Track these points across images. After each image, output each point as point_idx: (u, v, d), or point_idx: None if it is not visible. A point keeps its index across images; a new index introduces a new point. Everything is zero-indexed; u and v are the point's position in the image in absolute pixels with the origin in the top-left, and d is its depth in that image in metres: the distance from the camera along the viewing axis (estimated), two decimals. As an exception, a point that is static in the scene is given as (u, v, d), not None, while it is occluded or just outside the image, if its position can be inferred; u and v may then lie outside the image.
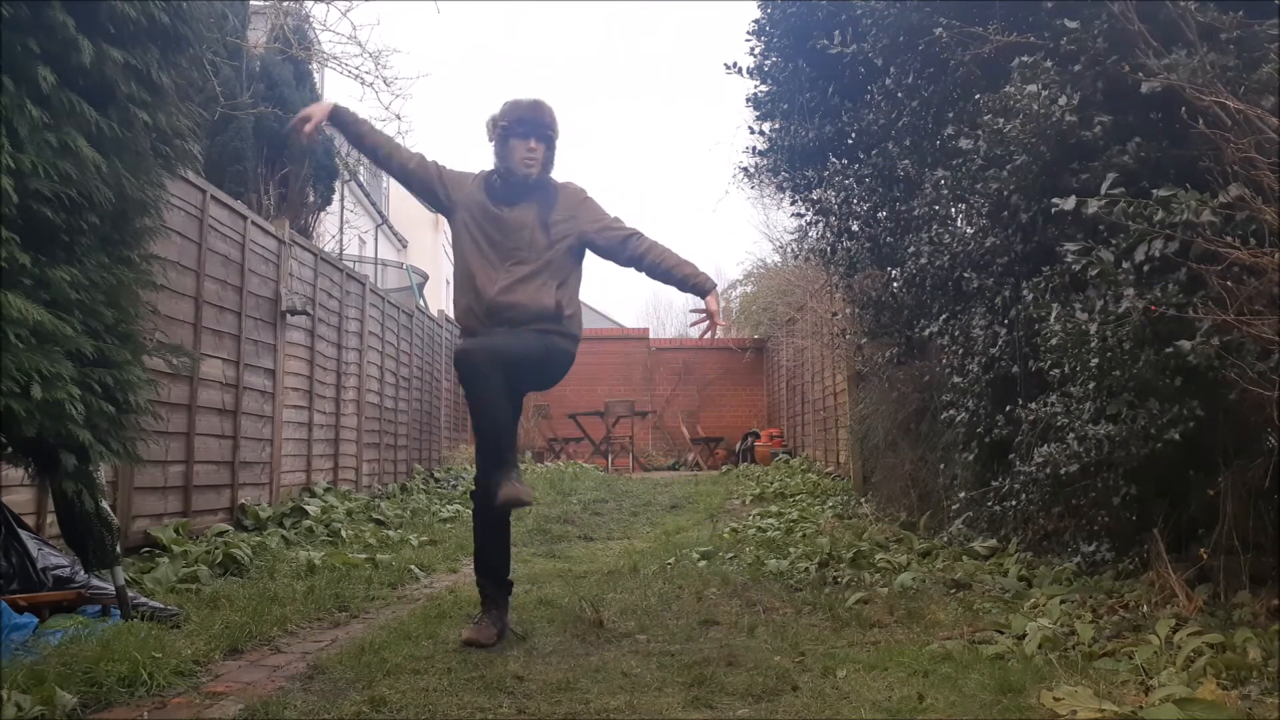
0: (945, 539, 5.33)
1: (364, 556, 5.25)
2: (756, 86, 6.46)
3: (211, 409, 5.88)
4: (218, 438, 5.97)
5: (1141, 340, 3.13)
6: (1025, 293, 3.97)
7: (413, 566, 5.17)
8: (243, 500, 6.26)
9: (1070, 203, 3.30)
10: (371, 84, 19.93)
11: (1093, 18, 3.55)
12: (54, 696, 2.37)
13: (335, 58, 10.62)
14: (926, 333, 5.54)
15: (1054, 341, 3.43)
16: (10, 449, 2.87)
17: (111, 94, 2.81)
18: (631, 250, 3.58)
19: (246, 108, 8.55)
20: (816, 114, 6.02)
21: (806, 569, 4.87)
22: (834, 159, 5.96)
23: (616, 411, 15.26)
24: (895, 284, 5.88)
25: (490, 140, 3.56)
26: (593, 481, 11.33)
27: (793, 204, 6.83)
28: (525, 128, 3.49)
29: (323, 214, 11.47)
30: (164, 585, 4.17)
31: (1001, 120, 3.83)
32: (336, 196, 12.65)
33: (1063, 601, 3.49)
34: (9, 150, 2.43)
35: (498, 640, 3.31)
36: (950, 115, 4.75)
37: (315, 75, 10.99)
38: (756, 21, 6.29)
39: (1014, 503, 4.41)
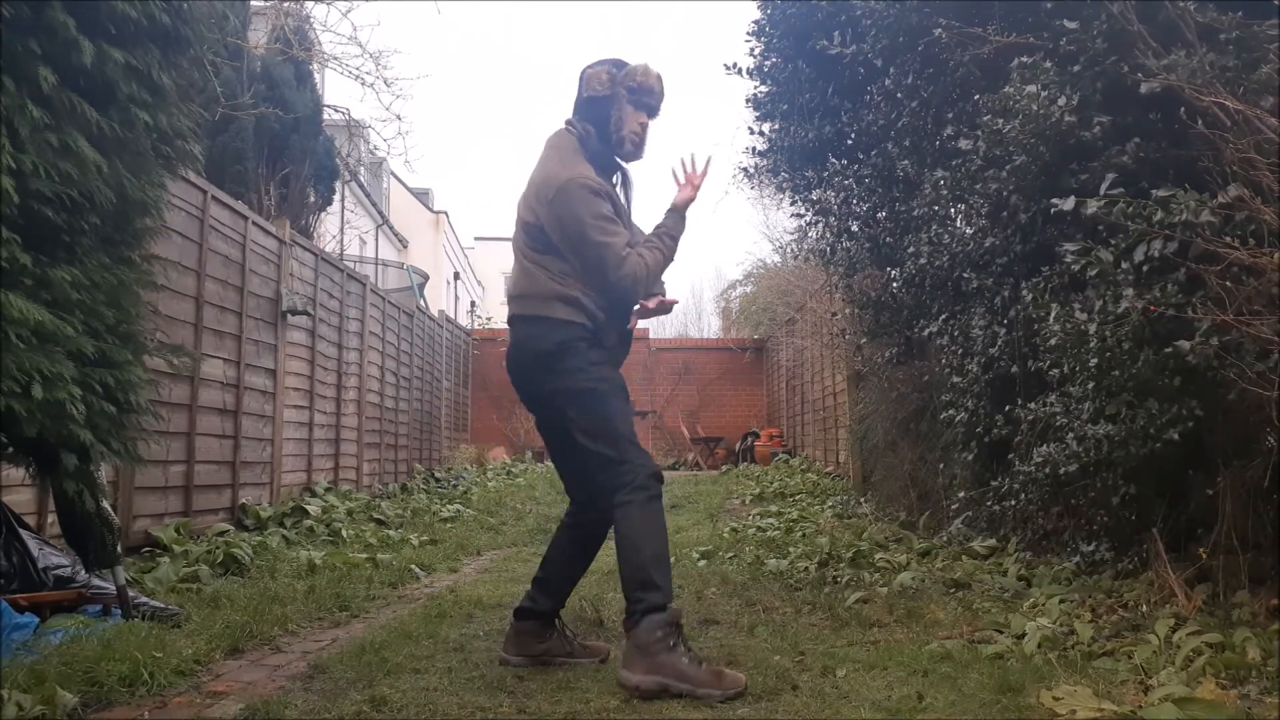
0: (945, 538, 5.33)
1: (364, 556, 5.25)
2: (756, 87, 6.46)
3: (212, 409, 5.89)
4: (218, 437, 5.98)
5: (1141, 340, 3.13)
6: (1024, 293, 3.97)
7: (413, 566, 5.18)
8: (243, 500, 6.27)
9: (1069, 203, 3.30)
10: (372, 84, 20.02)
11: (1092, 18, 3.55)
12: (55, 696, 2.38)
13: (336, 58, 10.66)
14: (926, 333, 5.54)
15: (1053, 341, 3.43)
16: (11, 449, 2.87)
17: (112, 94, 2.81)
18: None
19: (247, 108, 8.56)
20: (816, 114, 6.02)
21: (806, 568, 4.88)
22: (834, 159, 5.96)
23: (617, 411, 15.25)
24: (895, 284, 5.88)
25: (590, 92, 3.05)
26: (593, 481, 11.31)
27: (792, 204, 6.83)
28: (654, 100, 3.08)
29: (323, 214, 11.49)
30: (165, 585, 4.17)
31: (1001, 121, 3.83)
32: (337, 197, 12.66)
33: (1062, 601, 3.50)
34: (10, 150, 2.44)
35: None
36: (950, 116, 4.75)
37: (316, 76, 11.01)
38: (756, 22, 6.29)
39: (1013, 502, 4.42)
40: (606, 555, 6.20)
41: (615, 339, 3.04)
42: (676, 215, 3.12)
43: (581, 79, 3.09)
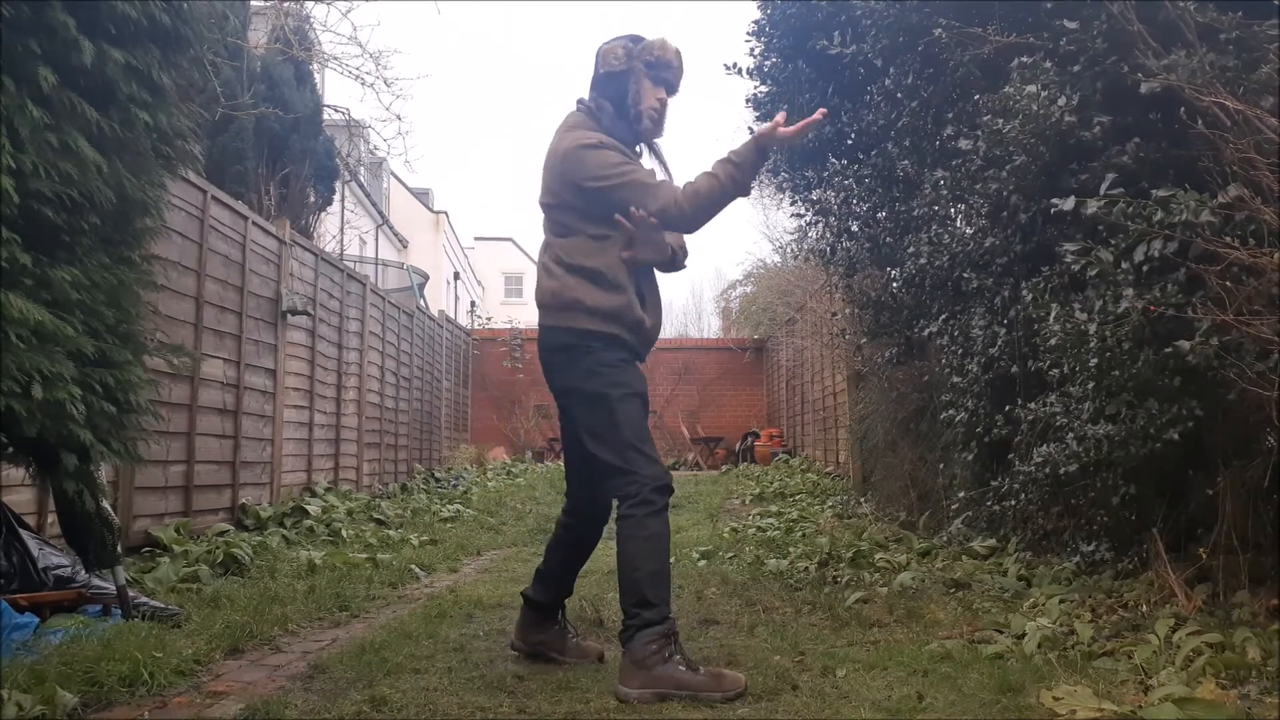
0: (945, 538, 5.33)
1: (364, 556, 5.25)
2: (756, 87, 6.46)
3: (212, 409, 5.89)
4: (218, 437, 5.98)
5: (1141, 340, 3.13)
6: (1024, 293, 3.97)
7: (413, 566, 5.18)
8: (243, 500, 6.27)
9: (1069, 203, 3.30)
10: (372, 84, 20.04)
11: (1092, 18, 3.55)
12: (55, 696, 2.38)
13: (336, 58, 10.65)
14: (926, 333, 5.54)
15: (1053, 341, 3.43)
16: (11, 449, 2.87)
17: (112, 94, 2.81)
18: None
19: (247, 108, 8.56)
20: (816, 114, 6.02)
21: (806, 568, 4.88)
22: (834, 159, 5.96)
23: (617, 411, 15.24)
24: (895, 284, 5.88)
25: (606, 68, 2.94)
26: (593, 481, 11.31)
27: (792, 204, 6.83)
28: (672, 75, 2.96)
29: (323, 214, 11.48)
30: (165, 585, 4.18)
31: (1001, 121, 3.83)
32: (337, 197, 12.65)
33: (1062, 601, 3.50)
34: (10, 150, 2.44)
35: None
36: (949, 116, 4.75)
37: (316, 76, 11.00)
38: (756, 22, 6.29)
39: (1013, 502, 4.42)
40: (607, 555, 6.21)
41: (643, 313, 2.89)
42: (751, 145, 2.81)
43: (598, 55, 2.99)
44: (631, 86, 2.92)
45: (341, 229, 14.43)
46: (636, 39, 2.97)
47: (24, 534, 3.47)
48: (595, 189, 2.83)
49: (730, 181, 2.82)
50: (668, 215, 2.83)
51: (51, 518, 4.17)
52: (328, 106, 11.99)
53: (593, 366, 2.84)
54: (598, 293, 2.84)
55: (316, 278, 7.84)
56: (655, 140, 3.06)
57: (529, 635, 3.13)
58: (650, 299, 2.98)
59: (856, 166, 5.76)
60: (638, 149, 3.02)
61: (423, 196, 27.15)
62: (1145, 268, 3.10)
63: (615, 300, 2.85)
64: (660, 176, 2.97)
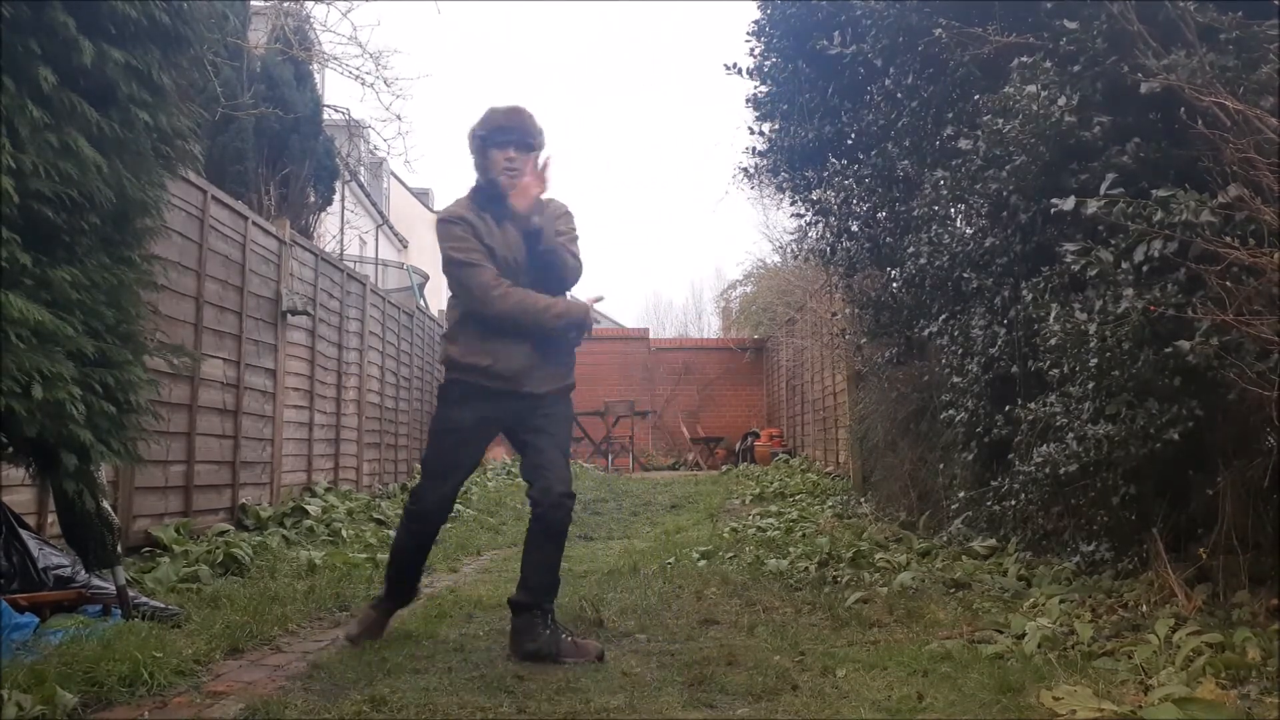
0: (945, 538, 5.33)
1: (365, 556, 5.25)
2: (756, 87, 6.47)
3: (212, 409, 5.88)
4: (218, 437, 5.98)
5: (1141, 340, 3.13)
6: (1024, 293, 3.98)
7: (413, 566, 5.17)
8: (243, 500, 6.26)
9: (1069, 203, 3.30)
10: (372, 84, 20.02)
11: (1092, 18, 3.55)
12: (55, 696, 2.38)
13: (336, 58, 10.65)
14: (926, 333, 5.54)
15: (1053, 341, 3.43)
16: (11, 449, 2.87)
17: (112, 94, 2.81)
18: None
19: (247, 108, 8.55)
20: (816, 114, 6.02)
21: (806, 568, 4.88)
22: (833, 159, 5.97)
23: (616, 411, 15.27)
24: (895, 284, 5.89)
25: (471, 153, 3.39)
26: (593, 481, 11.34)
27: (792, 204, 6.84)
28: (511, 135, 3.31)
29: (323, 214, 11.46)
30: (165, 585, 4.17)
31: (1001, 121, 3.83)
32: (337, 197, 12.63)
33: (1062, 601, 3.50)
34: (10, 150, 2.43)
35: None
36: (950, 116, 4.75)
37: (316, 76, 11.00)
38: (756, 22, 6.30)
39: (1013, 502, 4.42)
40: (607, 555, 6.22)
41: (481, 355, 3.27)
42: (582, 309, 3.33)
43: None
44: (482, 160, 3.35)
45: (341, 229, 14.40)
46: (480, 119, 3.35)
47: (24, 534, 3.46)
48: (444, 261, 3.28)
49: (550, 313, 3.24)
50: (490, 308, 3.22)
51: (51, 518, 4.17)
52: (328, 106, 11.98)
53: (439, 406, 3.45)
54: (458, 353, 3.31)
55: (316, 278, 7.84)
56: (523, 209, 3.29)
57: (524, 645, 3.16)
58: (503, 344, 3.26)
59: (856, 166, 5.76)
60: (535, 221, 3.28)
61: (423, 196, 27.11)
62: (1145, 268, 3.10)
63: (452, 350, 3.33)
64: (502, 239, 3.29)
